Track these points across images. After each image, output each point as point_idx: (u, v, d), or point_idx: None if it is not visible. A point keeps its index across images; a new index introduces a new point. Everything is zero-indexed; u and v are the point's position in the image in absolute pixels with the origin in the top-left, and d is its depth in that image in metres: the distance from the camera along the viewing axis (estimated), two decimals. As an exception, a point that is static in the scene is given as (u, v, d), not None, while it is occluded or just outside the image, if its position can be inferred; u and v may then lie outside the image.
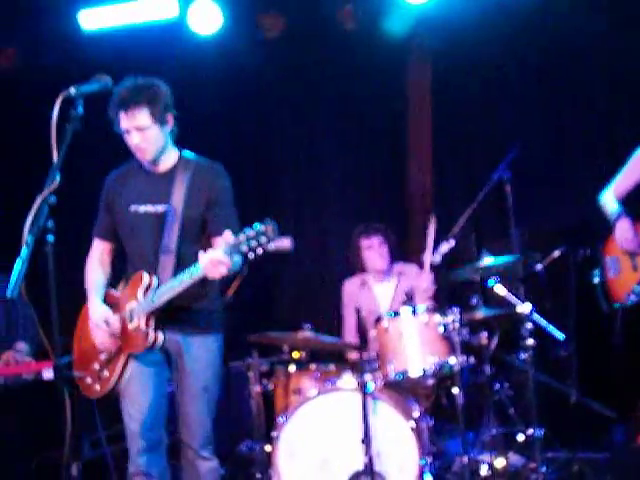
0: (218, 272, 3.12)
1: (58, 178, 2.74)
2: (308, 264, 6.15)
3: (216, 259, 3.08)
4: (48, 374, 4.49)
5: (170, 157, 3.47)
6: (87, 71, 3.07)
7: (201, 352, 3.42)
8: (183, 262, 3.31)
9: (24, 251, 2.61)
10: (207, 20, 5.88)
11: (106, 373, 3.43)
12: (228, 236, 3.06)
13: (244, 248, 3.04)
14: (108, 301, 3.47)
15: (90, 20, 5.93)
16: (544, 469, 4.38)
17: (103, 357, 3.45)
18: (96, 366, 3.47)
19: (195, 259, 3.17)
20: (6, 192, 5.98)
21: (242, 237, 3.03)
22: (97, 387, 3.45)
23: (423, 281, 5.02)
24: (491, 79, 5.87)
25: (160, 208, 3.39)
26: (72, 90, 2.86)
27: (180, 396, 3.43)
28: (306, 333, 4.60)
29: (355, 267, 5.36)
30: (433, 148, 6.08)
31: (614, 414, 5.07)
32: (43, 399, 4.25)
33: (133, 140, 3.35)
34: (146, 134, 3.34)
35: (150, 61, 5.80)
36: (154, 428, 3.41)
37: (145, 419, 3.38)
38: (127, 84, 3.34)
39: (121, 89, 3.31)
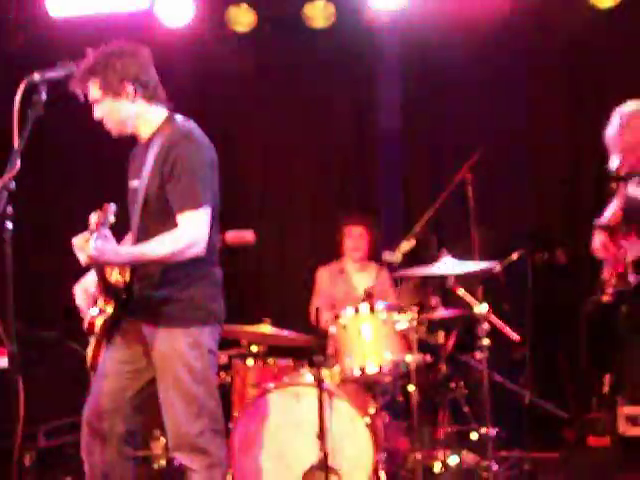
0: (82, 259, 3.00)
1: (18, 164, 2.73)
2: (270, 257, 6.17)
3: (76, 245, 3.01)
4: (1, 362, 4.42)
5: (149, 126, 3.28)
6: (53, 58, 3.05)
7: (164, 348, 3.18)
8: (140, 240, 3.15)
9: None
10: (177, 12, 5.86)
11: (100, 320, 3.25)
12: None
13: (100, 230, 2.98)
14: None
15: (58, 7, 5.88)
16: (496, 467, 4.44)
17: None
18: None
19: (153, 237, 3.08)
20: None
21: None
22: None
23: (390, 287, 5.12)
24: (456, 84, 5.93)
25: (135, 183, 3.27)
26: (36, 76, 2.84)
27: (164, 402, 3.22)
28: (265, 327, 4.62)
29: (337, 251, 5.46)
30: (401, 146, 6.13)
31: (566, 415, 5.16)
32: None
33: (96, 114, 3.27)
34: (102, 107, 3.22)
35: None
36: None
37: (98, 406, 3.26)
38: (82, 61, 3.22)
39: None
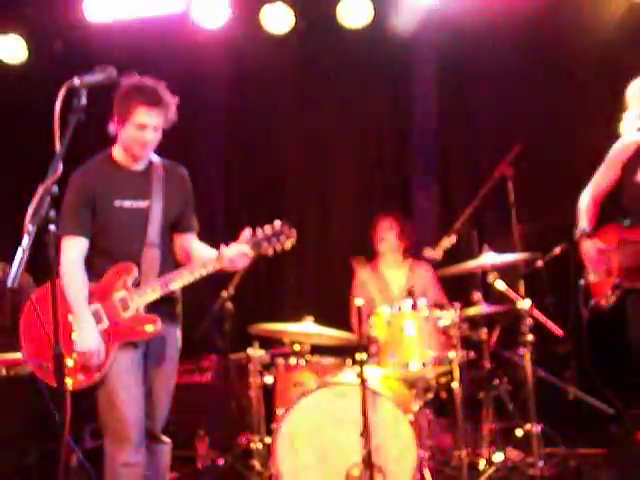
0: (242, 264, 3.38)
1: (60, 168, 2.76)
2: (311, 256, 6.17)
3: (243, 252, 3.33)
4: None
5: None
6: (91, 63, 3.07)
7: (173, 340, 3.56)
8: (164, 255, 3.48)
9: (25, 240, 2.61)
10: (212, 13, 5.88)
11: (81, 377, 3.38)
12: (248, 232, 3.35)
13: (264, 244, 3.32)
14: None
15: (95, 12, 5.94)
16: (542, 464, 4.40)
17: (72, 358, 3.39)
18: (75, 355, 3.37)
19: (171, 252, 3.49)
20: (10, 182, 6.01)
21: (263, 234, 3.33)
22: (80, 376, 3.38)
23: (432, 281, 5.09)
24: (496, 77, 5.88)
25: (143, 204, 3.47)
26: (76, 81, 2.85)
27: (153, 384, 3.49)
28: (308, 325, 4.63)
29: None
30: (439, 144, 6.09)
31: (612, 410, 5.09)
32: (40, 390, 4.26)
33: (146, 136, 3.40)
34: (156, 135, 3.44)
35: (154, 54, 5.83)
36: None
37: (140, 411, 3.40)
38: (148, 82, 3.41)
39: (143, 85, 3.39)
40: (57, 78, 2.91)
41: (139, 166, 3.52)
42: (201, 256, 3.50)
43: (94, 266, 3.45)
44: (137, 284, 3.41)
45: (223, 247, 3.37)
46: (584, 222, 4.12)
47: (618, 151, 4.04)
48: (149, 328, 3.38)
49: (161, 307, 3.44)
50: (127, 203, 3.45)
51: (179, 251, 3.63)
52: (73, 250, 3.42)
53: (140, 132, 3.39)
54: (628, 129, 4.03)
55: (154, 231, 3.45)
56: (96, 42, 5.90)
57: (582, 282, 4.18)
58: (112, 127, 3.47)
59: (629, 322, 3.91)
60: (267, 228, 3.36)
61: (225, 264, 3.38)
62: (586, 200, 4.18)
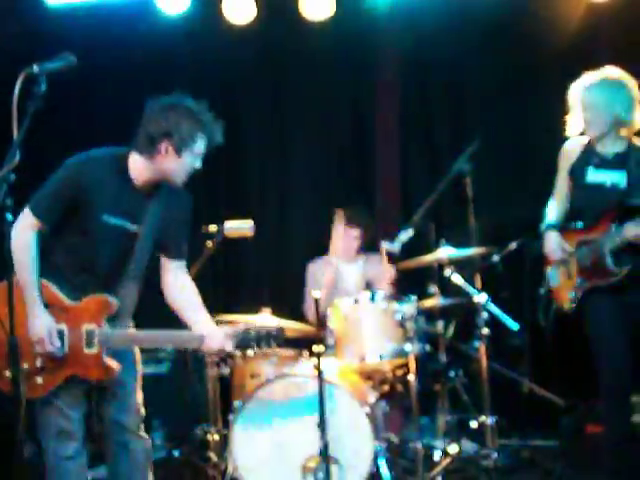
0: (216, 347, 3.29)
1: (18, 156, 2.72)
2: (270, 248, 6.16)
3: (224, 345, 3.28)
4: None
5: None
6: (50, 47, 3.02)
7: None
8: (140, 288, 3.37)
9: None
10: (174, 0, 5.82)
11: (39, 380, 3.20)
12: (243, 326, 3.31)
13: (251, 342, 3.26)
14: (46, 297, 3.20)
15: (55, -5, 5.85)
16: (496, 455, 4.47)
17: (38, 363, 3.20)
18: (25, 366, 3.16)
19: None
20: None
21: (256, 334, 3.27)
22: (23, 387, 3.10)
23: (385, 271, 5.06)
24: (456, 74, 5.94)
25: (132, 227, 3.28)
26: (35, 68, 2.81)
27: (127, 381, 3.37)
28: (265, 316, 4.63)
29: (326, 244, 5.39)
30: (400, 139, 6.12)
31: (564, 403, 5.18)
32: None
33: (196, 165, 3.29)
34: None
35: (116, 39, 5.76)
36: None
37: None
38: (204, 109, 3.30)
39: (205, 114, 3.28)
40: (13, 63, 2.86)
41: (145, 185, 3.29)
42: (183, 311, 3.40)
43: (77, 279, 3.26)
44: (110, 318, 3.27)
45: (208, 331, 3.28)
46: (550, 218, 4.16)
47: (561, 157, 4.13)
48: (102, 374, 3.22)
49: (115, 316, 3.30)
50: (115, 221, 3.23)
51: (164, 276, 3.45)
52: (24, 223, 3.18)
53: (193, 161, 3.26)
54: (570, 133, 4.10)
55: (140, 262, 3.30)
56: (55, 26, 5.79)
57: (542, 290, 4.21)
58: (161, 146, 3.20)
59: (587, 319, 3.95)
60: (262, 329, 3.28)
61: (204, 349, 3.32)
62: (551, 205, 4.22)
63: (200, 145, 3.25)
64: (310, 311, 5.25)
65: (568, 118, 4.08)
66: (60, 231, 3.25)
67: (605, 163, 3.96)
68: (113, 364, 3.23)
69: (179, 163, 3.23)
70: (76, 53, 2.98)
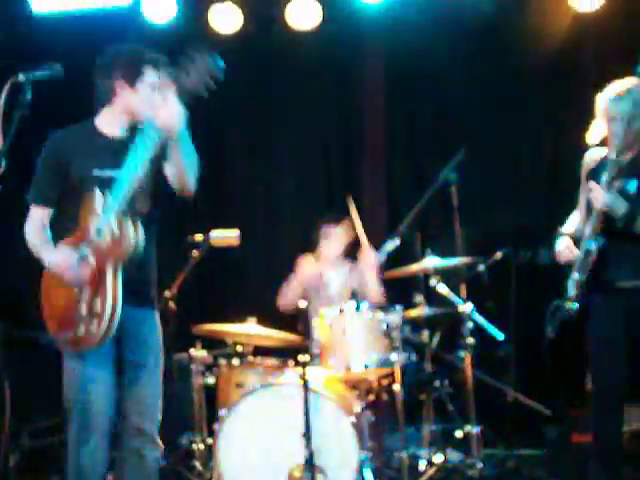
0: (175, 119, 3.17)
1: (3, 164, 2.71)
2: (255, 257, 6.15)
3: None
4: None
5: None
6: (36, 55, 3.02)
7: (151, 326, 3.30)
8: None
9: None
10: (161, 8, 5.83)
11: (98, 307, 3.06)
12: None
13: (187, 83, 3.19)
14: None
15: (41, 3, 5.84)
16: (481, 465, 4.48)
17: (83, 310, 3.08)
18: (81, 314, 3.08)
19: None
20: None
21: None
22: (93, 328, 3.06)
23: (375, 287, 5.04)
24: (442, 83, 5.96)
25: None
26: (21, 76, 2.81)
27: (135, 375, 3.23)
28: (250, 326, 4.63)
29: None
30: (385, 146, 6.14)
31: (550, 412, 5.20)
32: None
33: (157, 99, 3.22)
34: None
35: (102, 48, 5.72)
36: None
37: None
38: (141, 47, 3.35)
39: (145, 51, 3.34)
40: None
41: (120, 132, 3.27)
42: None
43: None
44: None
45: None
46: (565, 228, 4.09)
47: (582, 170, 4.03)
48: (124, 247, 3.05)
49: (134, 289, 3.15)
50: (108, 173, 3.16)
51: None
52: (31, 221, 3.22)
53: (153, 94, 3.25)
54: (590, 142, 4.03)
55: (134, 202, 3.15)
56: (41, 34, 5.78)
57: (557, 302, 3.87)
58: (115, 87, 3.24)
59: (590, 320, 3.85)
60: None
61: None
62: (572, 216, 4.15)
63: (150, 74, 3.27)
64: (284, 298, 5.19)
65: (591, 127, 4.02)
66: (65, 210, 3.22)
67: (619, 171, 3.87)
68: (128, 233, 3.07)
69: (137, 96, 3.26)
70: (62, 61, 2.98)
